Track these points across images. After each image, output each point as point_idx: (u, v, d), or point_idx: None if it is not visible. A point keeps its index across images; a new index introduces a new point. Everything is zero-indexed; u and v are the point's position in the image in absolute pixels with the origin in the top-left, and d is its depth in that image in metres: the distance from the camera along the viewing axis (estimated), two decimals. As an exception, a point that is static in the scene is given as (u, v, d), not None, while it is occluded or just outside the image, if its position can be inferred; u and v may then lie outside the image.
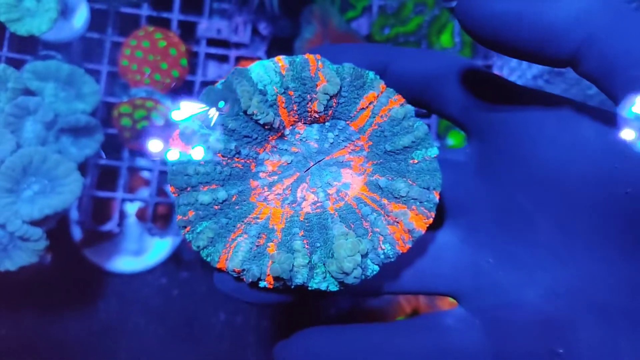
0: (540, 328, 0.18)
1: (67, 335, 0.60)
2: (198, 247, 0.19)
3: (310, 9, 0.57)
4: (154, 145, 0.53)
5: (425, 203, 0.18)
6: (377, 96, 0.19)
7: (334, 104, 0.19)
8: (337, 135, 0.20)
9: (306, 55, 0.19)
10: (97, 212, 0.56)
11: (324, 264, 0.18)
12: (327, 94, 0.18)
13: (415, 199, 0.18)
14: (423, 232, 0.19)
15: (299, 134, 0.20)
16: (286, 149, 0.20)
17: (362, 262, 0.18)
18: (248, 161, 0.19)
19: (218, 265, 0.19)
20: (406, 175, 0.19)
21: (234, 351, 0.62)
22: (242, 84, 0.18)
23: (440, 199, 0.19)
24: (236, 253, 0.18)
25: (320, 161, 0.20)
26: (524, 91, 0.20)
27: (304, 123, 0.20)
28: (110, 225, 0.55)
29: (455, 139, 0.54)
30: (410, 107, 0.19)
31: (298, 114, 0.19)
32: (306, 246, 0.18)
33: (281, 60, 0.19)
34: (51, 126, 0.45)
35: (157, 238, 0.59)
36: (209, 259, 0.19)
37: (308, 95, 0.19)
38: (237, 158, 0.19)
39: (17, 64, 0.51)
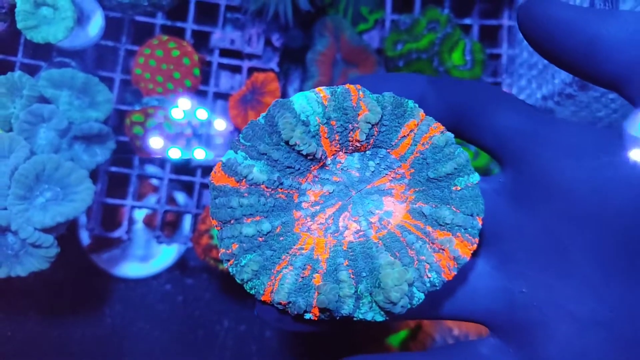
0: (575, 356, 0.18)
1: (72, 339, 0.61)
2: (242, 280, 0.19)
3: (323, 22, 0.57)
4: (155, 142, 0.53)
5: (469, 230, 0.19)
6: (418, 124, 0.19)
7: (375, 132, 0.19)
8: (378, 163, 0.20)
9: (347, 86, 0.19)
10: (106, 218, 0.56)
11: (370, 294, 0.18)
12: (369, 122, 0.19)
13: (460, 225, 0.19)
14: (468, 258, 0.19)
15: (340, 163, 0.20)
16: (328, 179, 0.20)
17: (408, 291, 0.18)
18: (291, 192, 0.20)
19: (263, 298, 0.19)
20: (450, 202, 0.19)
21: (237, 359, 0.62)
22: (285, 115, 0.18)
23: None
24: (282, 286, 0.18)
25: (361, 190, 0.20)
26: (559, 121, 0.20)
27: (345, 152, 0.20)
28: (119, 232, 0.55)
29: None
30: (450, 135, 0.19)
31: (340, 144, 0.20)
32: (352, 276, 0.18)
33: (322, 90, 0.19)
34: (65, 134, 0.45)
35: (164, 245, 0.60)
36: (253, 292, 0.19)
37: (350, 125, 0.19)
38: (281, 189, 0.19)
39: (32, 70, 0.51)
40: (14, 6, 0.45)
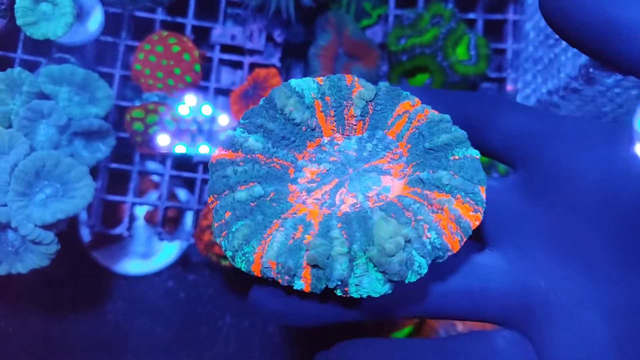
0: (597, 351, 0.18)
1: (74, 336, 0.61)
2: (234, 248, 0.18)
3: (326, 17, 0.57)
4: (162, 139, 0.53)
5: (470, 195, 0.18)
6: (413, 106, 0.19)
7: (370, 110, 0.19)
8: (375, 144, 0.20)
9: (342, 73, 0.19)
10: (107, 214, 0.56)
11: (364, 252, 0.16)
12: (363, 98, 0.19)
13: (459, 188, 0.18)
14: (472, 224, 0.17)
15: (337, 145, 0.20)
16: (325, 158, 0.20)
17: (406, 250, 0.16)
18: (286, 163, 0.19)
19: (253, 267, 0.17)
20: (447, 168, 0.18)
21: (240, 355, 0.62)
22: (280, 89, 0.19)
23: (482, 221, 0.18)
24: (271, 245, 0.17)
25: (359, 168, 0.20)
26: (564, 116, 0.20)
27: (342, 134, 0.20)
28: (120, 229, 0.55)
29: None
30: (447, 115, 0.19)
31: (336, 122, 0.20)
32: (345, 236, 0.17)
33: (319, 78, 0.20)
34: (64, 130, 0.45)
35: (166, 242, 0.60)
36: (244, 265, 0.17)
37: (344, 102, 0.19)
38: (276, 158, 0.19)
39: (31, 66, 0.51)
40: (13, 2, 0.44)
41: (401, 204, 0.18)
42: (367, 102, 0.19)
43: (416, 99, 0.20)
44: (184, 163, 0.57)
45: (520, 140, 0.21)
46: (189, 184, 0.62)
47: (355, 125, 0.20)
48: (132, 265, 0.62)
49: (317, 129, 0.20)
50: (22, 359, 0.58)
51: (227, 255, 0.18)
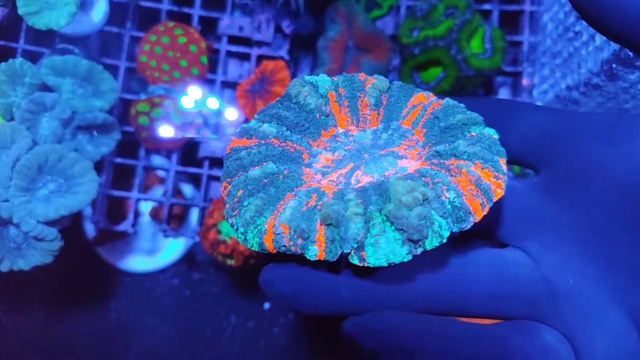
0: (627, 350, 0.18)
1: (77, 333, 0.60)
2: (246, 221, 0.17)
3: (335, 7, 0.55)
4: (165, 131, 0.51)
5: (490, 163, 0.17)
6: (428, 99, 0.20)
7: (384, 101, 0.19)
8: (391, 134, 0.20)
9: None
10: (111, 210, 0.55)
11: (380, 212, 0.16)
12: (376, 88, 0.19)
13: (477, 155, 0.17)
14: (494, 189, 0.16)
15: (352, 136, 0.20)
16: (339, 147, 0.20)
17: (425, 208, 0.15)
18: (300, 148, 0.19)
19: (265, 238, 0.16)
20: (465, 140, 0.18)
21: (244, 356, 0.61)
22: (294, 81, 0.20)
23: (498, 216, 0.18)
24: (284, 211, 0.16)
25: (374, 154, 0.19)
26: (582, 112, 0.20)
27: (356, 127, 0.20)
28: (125, 226, 0.53)
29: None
30: (462, 104, 0.19)
31: (350, 113, 0.20)
32: (360, 200, 0.16)
33: (333, 76, 0.20)
34: (68, 123, 0.44)
35: (171, 239, 0.58)
36: (256, 237, 0.17)
37: (358, 93, 0.20)
38: (290, 142, 0.19)
39: (33, 57, 0.50)
40: (14, -10, 0.43)
41: (418, 174, 0.17)
42: (381, 92, 0.19)
43: (430, 93, 0.20)
44: (189, 158, 0.55)
45: (541, 140, 0.20)
46: (195, 180, 0.60)
47: (370, 116, 0.20)
48: (137, 262, 0.60)
49: (331, 117, 0.20)
50: (24, 356, 0.57)
51: (239, 235, 0.17)
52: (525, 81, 0.54)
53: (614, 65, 0.40)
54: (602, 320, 0.18)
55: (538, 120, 0.20)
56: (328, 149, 0.20)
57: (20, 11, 0.43)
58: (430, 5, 0.52)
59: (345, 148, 0.20)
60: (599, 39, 0.42)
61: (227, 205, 0.18)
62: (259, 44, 0.55)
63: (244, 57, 0.57)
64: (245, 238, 0.17)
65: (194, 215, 0.60)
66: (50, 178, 0.42)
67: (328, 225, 0.16)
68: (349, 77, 0.20)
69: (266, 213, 0.17)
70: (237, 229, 0.17)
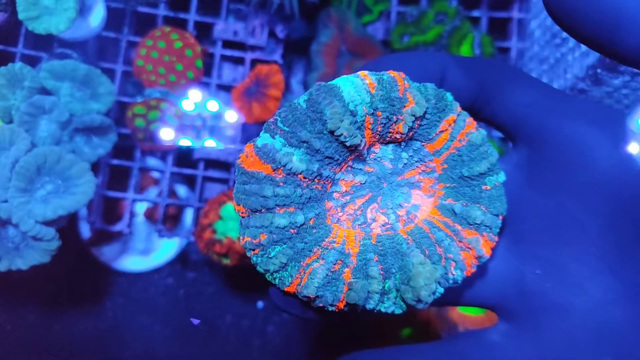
0: (590, 337, 0.18)
1: (73, 333, 0.60)
2: (267, 270, 0.18)
3: (328, 13, 0.56)
4: (165, 133, 0.52)
5: (493, 229, 0.19)
6: (455, 119, 0.19)
7: (416, 125, 0.19)
8: (411, 155, 0.20)
9: (391, 73, 0.18)
10: (107, 211, 0.56)
11: (397, 290, 0.18)
12: (414, 115, 0.18)
13: (487, 225, 0.19)
14: (488, 257, 0.19)
15: (375, 153, 0.20)
16: (361, 169, 0.20)
17: (434, 285, 0.18)
18: (326, 182, 0.19)
19: (287, 289, 0.18)
20: (480, 202, 0.19)
21: (239, 354, 0.62)
22: (333, 104, 0.17)
23: None
24: (312, 280, 0.18)
25: (392, 182, 0.20)
26: (574, 96, 0.20)
27: (380, 143, 0.20)
28: (120, 226, 0.54)
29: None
30: (484, 132, 0.20)
31: (380, 135, 0.19)
32: (381, 272, 0.18)
33: (368, 77, 0.18)
34: (66, 126, 0.45)
35: (166, 239, 0.59)
36: (276, 282, 0.18)
37: (394, 117, 0.18)
38: (318, 179, 0.18)
39: (32, 61, 0.51)
40: (14, -4, 0.44)
41: (433, 237, 0.19)
42: (416, 118, 0.18)
43: (458, 107, 0.19)
44: (184, 159, 0.56)
45: (529, 117, 0.20)
46: (189, 181, 0.61)
47: (399, 137, 0.19)
48: (132, 262, 0.61)
49: (363, 148, 0.19)
50: (20, 356, 0.58)
51: (258, 269, 0.19)
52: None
53: (598, 71, 0.41)
54: (567, 308, 0.19)
55: (532, 96, 0.20)
56: (349, 170, 0.20)
57: (21, 16, 0.44)
58: (421, 11, 0.53)
59: (366, 169, 0.20)
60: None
61: (246, 239, 0.18)
62: (253, 48, 0.56)
63: (238, 61, 0.58)
64: (264, 274, 0.19)
65: (189, 215, 0.61)
66: (48, 179, 0.42)
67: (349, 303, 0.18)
68: (388, 95, 0.18)
69: (291, 270, 0.18)
70: (256, 264, 0.19)
